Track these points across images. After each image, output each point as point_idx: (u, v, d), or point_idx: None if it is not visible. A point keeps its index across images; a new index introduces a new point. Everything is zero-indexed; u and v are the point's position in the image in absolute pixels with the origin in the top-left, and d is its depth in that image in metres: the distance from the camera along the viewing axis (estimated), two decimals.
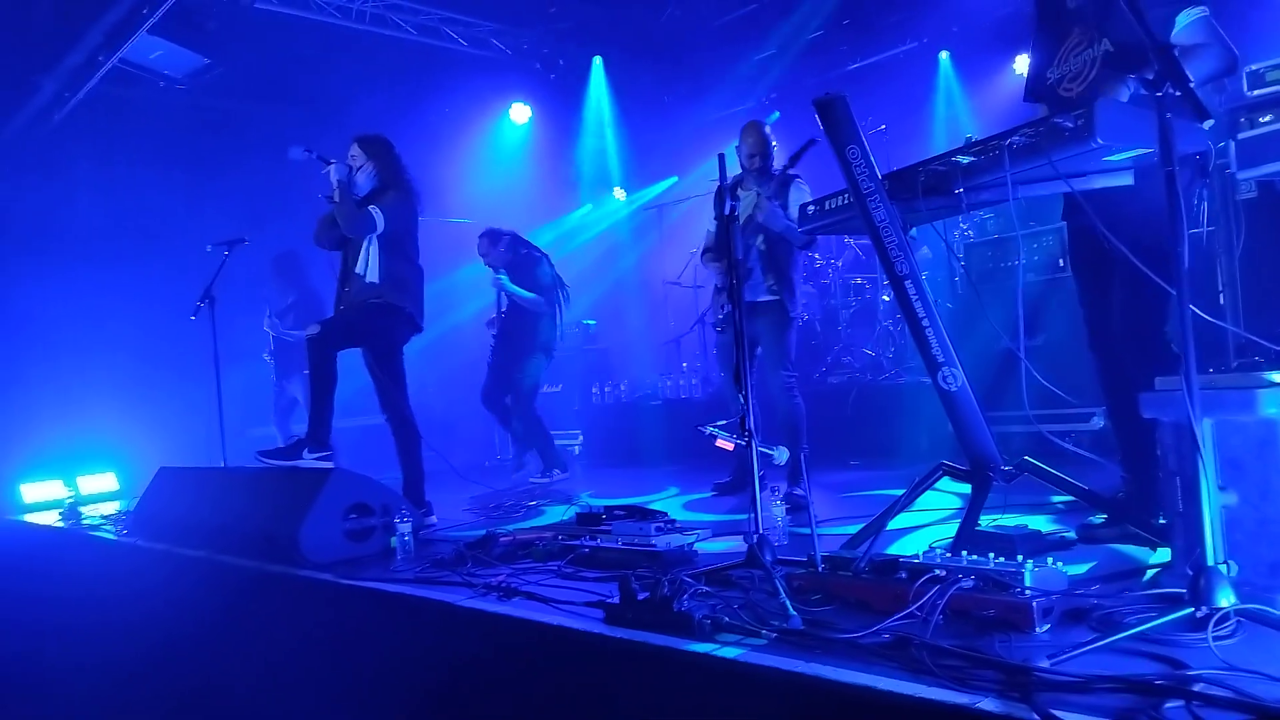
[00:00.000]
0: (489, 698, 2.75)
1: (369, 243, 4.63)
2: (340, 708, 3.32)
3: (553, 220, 10.78)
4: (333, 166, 4.61)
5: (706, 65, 9.96)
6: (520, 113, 10.08)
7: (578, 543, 3.42)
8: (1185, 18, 2.85)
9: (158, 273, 7.86)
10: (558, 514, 4.63)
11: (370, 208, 4.59)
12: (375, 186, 4.73)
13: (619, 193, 10.93)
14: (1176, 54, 2.19)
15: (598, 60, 10.11)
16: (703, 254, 5.20)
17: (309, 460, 4.40)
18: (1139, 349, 2.97)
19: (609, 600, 2.55)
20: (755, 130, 4.94)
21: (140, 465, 6.65)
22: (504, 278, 6.47)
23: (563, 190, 10.73)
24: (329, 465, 4.34)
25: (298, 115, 8.53)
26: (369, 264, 4.64)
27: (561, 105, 10.21)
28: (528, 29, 9.37)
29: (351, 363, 4.81)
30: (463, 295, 8.22)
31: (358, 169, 4.72)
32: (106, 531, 5.38)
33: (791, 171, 4.81)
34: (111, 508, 6.20)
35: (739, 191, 4.84)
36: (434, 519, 4.63)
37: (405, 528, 3.69)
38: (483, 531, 3.74)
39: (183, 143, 8.40)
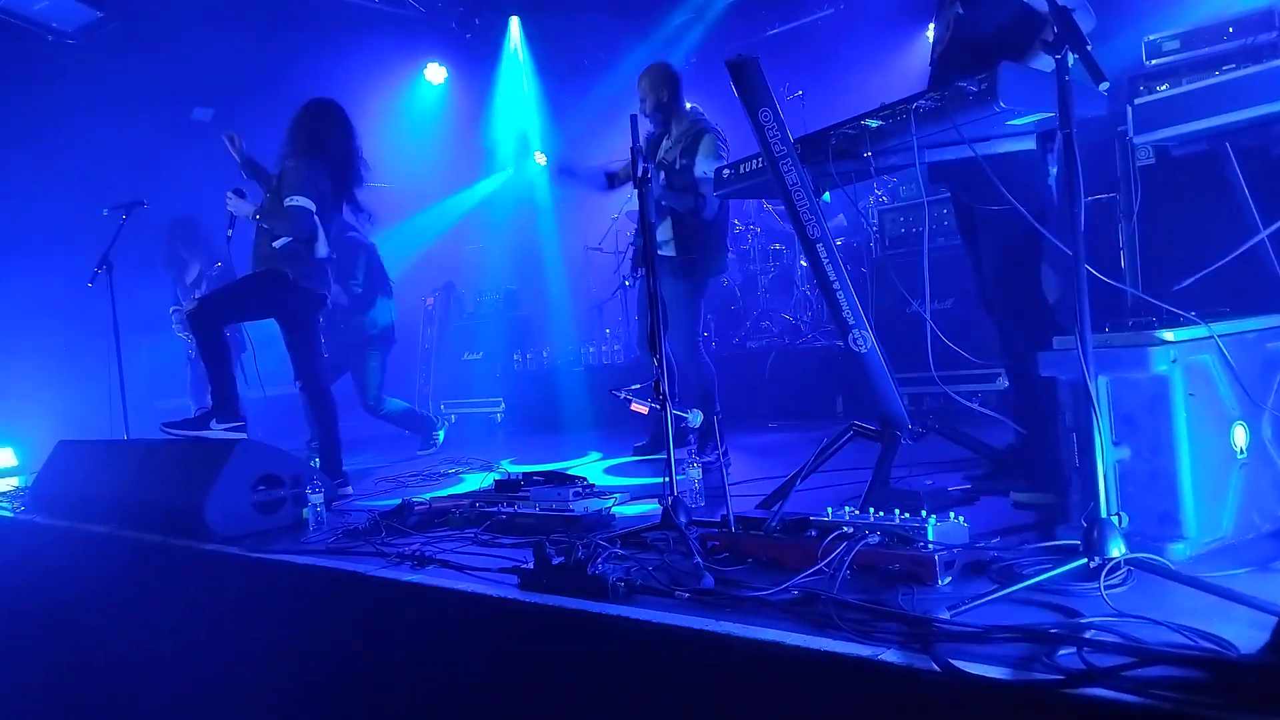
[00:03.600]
0: (404, 667, 2.72)
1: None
2: (250, 681, 3.25)
3: (471, 185, 10.59)
4: (234, 204, 4.52)
5: (626, 28, 9.84)
6: (435, 73, 9.83)
7: (495, 509, 3.40)
8: None
9: (52, 238, 7.48)
10: (476, 481, 4.59)
11: (293, 202, 4.44)
12: (286, 150, 4.60)
13: (540, 157, 10.75)
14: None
15: (514, 20, 9.90)
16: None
17: (218, 431, 4.27)
18: (1014, 308, 3.07)
19: (524, 566, 2.54)
20: (643, 77, 4.74)
21: (40, 440, 6.36)
22: None
23: (481, 154, 10.53)
24: (240, 436, 4.22)
25: (199, 73, 8.14)
26: (264, 237, 4.52)
27: (478, 66, 9.99)
28: None
29: (271, 332, 4.69)
30: (387, 261, 8.01)
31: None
32: (3, 509, 5.13)
33: (704, 125, 4.61)
34: (9, 484, 5.92)
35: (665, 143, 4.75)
36: (349, 490, 4.55)
37: (317, 498, 3.61)
38: (398, 500, 3.68)
39: (74, 101, 7.95)
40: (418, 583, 2.66)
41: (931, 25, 8.75)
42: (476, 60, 9.93)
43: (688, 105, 4.74)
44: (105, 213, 5.84)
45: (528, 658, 2.38)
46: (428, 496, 3.85)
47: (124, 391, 5.69)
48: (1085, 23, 2.84)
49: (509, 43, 10.03)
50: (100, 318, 5.80)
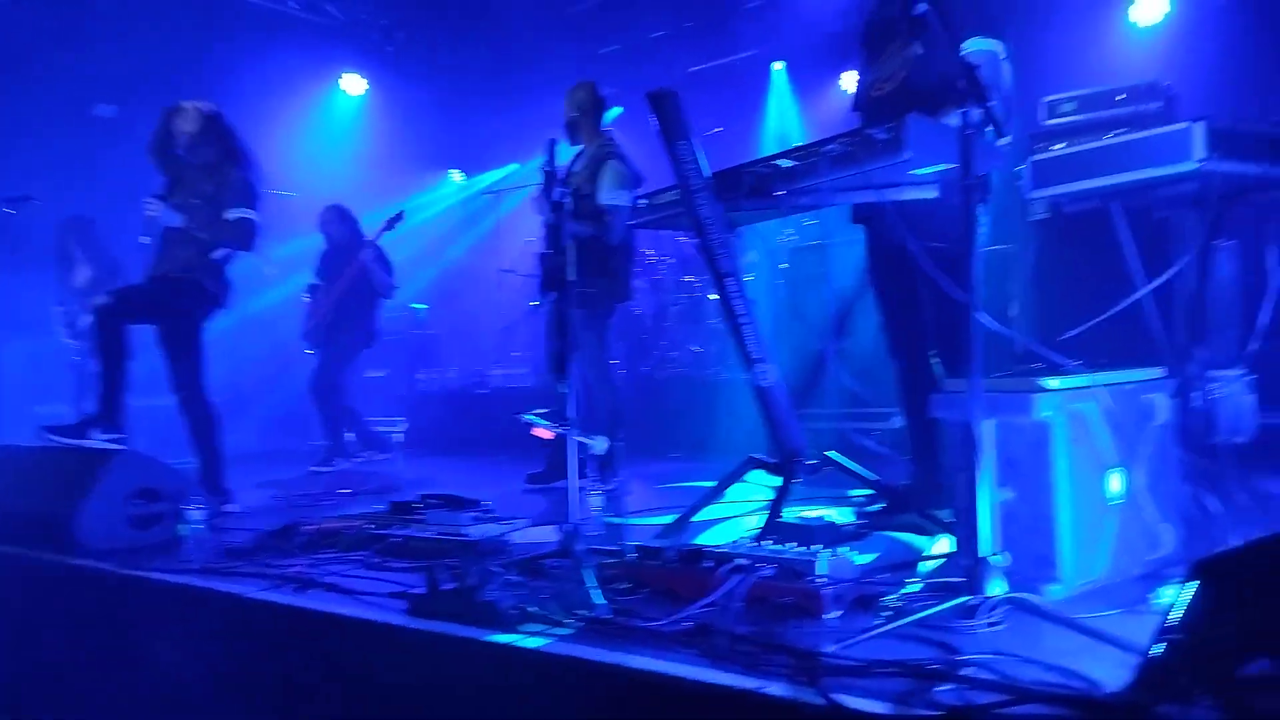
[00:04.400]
0: (283, 695, 2.61)
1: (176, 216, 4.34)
2: (116, 703, 3.07)
3: (386, 200, 10.40)
4: (158, 211, 4.35)
5: (552, 55, 9.87)
6: (354, 84, 9.66)
7: (387, 532, 3.30)
8: (972, 45, 3.03)
9: None
10: (371, 503, 4.46)
11: (243, 214, 4.37)
12: (215, 160, 4.47)
13: (456, 175, 10.68)
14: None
15: (439, 37, 9.83)
16: None
17: (98, 440, 4.06)
18: (950, 353, 3.15)
19: (414, 591, 2.47)
20: (567, 96, 4.69)
21: None
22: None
23: (398, 169, 10.36)
24: (118, 447, 4.02)
25: (104, 69, 7.80)
26: (178, 238, 4.35)
27: (399, 80, 9.85)
28: None
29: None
30: (286, 269, 7.80)
31: (184, 130, 4.41)
32: None
33: (611, 151, 4.55)
34: None
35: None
36: (234, 507, 4.36)
37: (197, 515, 3.45)
38: (285, 521, 3.55)
39: None
40: (300, 606, 2.56)
41: (850, 74, 9.00)
42: (398, 74, 9.79)
43: (603, 130, 4.71)
44: None
45: (415, 687, 2.30)
46: (317, 517, 3.73)
47: None
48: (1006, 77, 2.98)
49: (432, 59, 9.94)
50: None
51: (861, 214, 3.22)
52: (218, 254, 4.42)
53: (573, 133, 4.62)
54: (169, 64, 7.57)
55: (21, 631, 3.46)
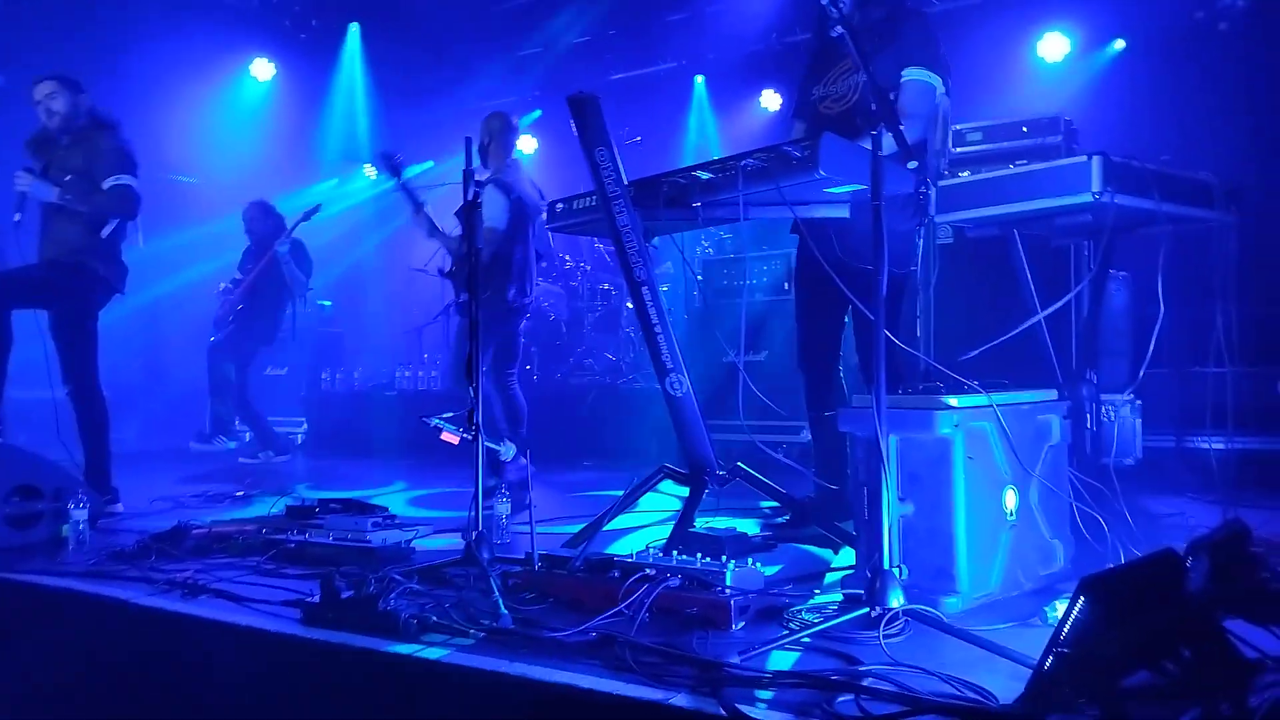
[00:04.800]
0: (169, 707, 2.49)
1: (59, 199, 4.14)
2: None
3: (294, 191, 10.09)
4: (30, 186, 4.16)
5: (472, 52, 9.77)
6: (263, 70, 9.35)
7: (283, 537, 3.19)
8: (906, 74, 3.13)
9: None
10: (267, 506, 4.31)
11: (120, 181, 4.19)
12: (86, 126, 4.27)
13: (369, 170, 10.43)
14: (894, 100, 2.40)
15: (354, 27, 9.61)
16: None
17: None
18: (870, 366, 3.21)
19: (309, 599, 2.39)
20: (483, 123, 4.89)
21: None
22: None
23: (306, 160, 10.07)
24: None
25: None
26: (63, 222, 4.13)
27: (311, 69, 9.59)
28: None
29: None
30: (180, 259, 7.50)
31: (61, 109, 4.20)
32: None
33: (497, 178, 4.75)
34: None
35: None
36: (119, 507, 4.17)
37: (80, 515, 3.28)
38: (174, 522, 3.39)
39: None
40: (187, 614, 2.45)
41: (769, 92, 9.12)
42: (310, 62, 9.53)
43: (509, 158, 4.92)
44: None
45: (310, 698, 2.22)
46: (208, 519, 3.58)
47: None
48: (910, 132, 3.04)
49: (346, 49, 9.71)
50: None
51: (797, 226, 3.26)
52: (105, 231, 4.23)
53: (483, 157, 4.83)
54: (66, 34, 7.20)
55: None
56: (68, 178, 4.22)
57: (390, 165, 4.68)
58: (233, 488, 5.04)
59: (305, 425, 7.90)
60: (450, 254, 4.73)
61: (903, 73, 3.13)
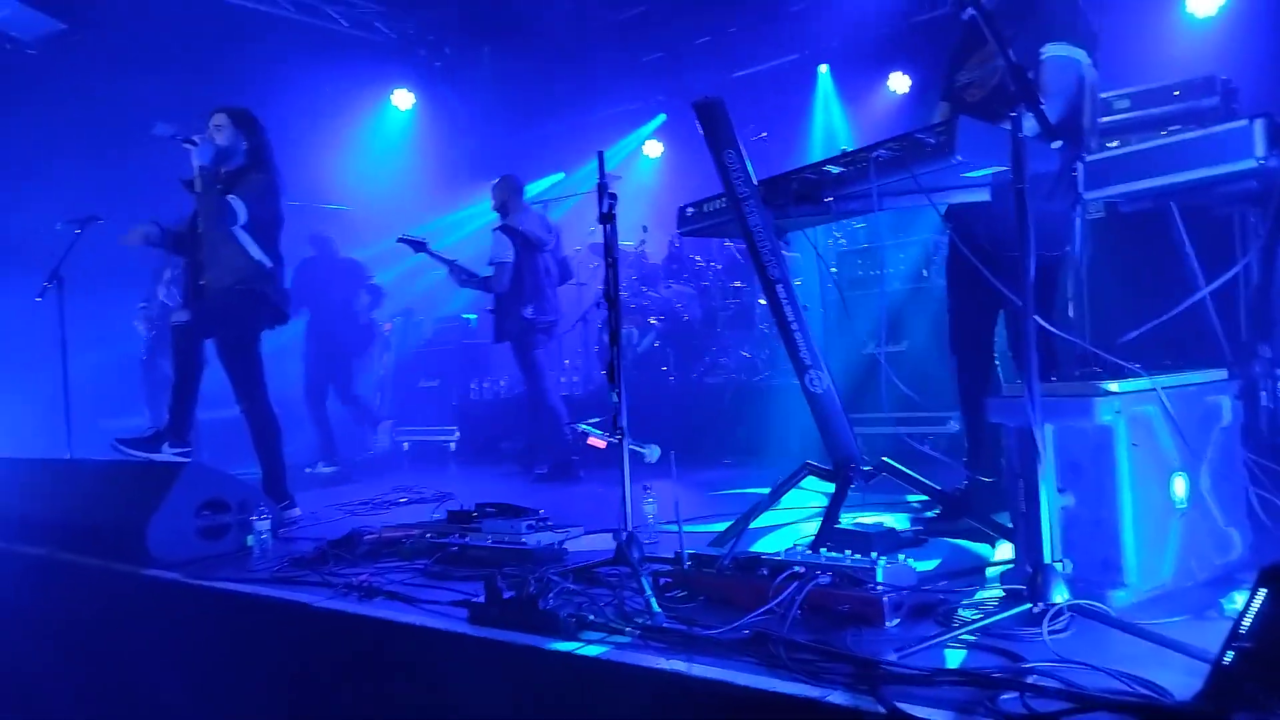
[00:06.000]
0: (349, 702, 2.67)
1: (239, 232, 4.42)
2: (190, 713, 3.16)
3: (440, 214, 10.56)
4: (196, 148, 4.35)
5: (596, 63, 9.96)
6: (403, 99, 9.84)
7: (446, 540, 3.36)
8: (1045, 51, 3.00)
9: (4, 251, 7.31)
10: (428, 512, 4.53)
11: (230, 198, 4.35)
12: (242, 165, 4.52)
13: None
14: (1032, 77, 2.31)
15: (485, 50, 9.96)
16: None
17: (167, 454, 4.18)
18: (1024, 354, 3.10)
19: (474, 600, 2.51)
20: (493, 187, 6.07)
21: None
22: None
23: (447, 182, 10.52)
24: (186, 460, 4.14)
25: (162, 89, 8.05)
26: (231, 250, 4.43)
27: (447, 94, 10.02)
28: (413, 13, 9.16)
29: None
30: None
31: (223, 142, 4.49)
32: None
33: (501, 224, 5.97)
34: None
35: None
36: (296, 511, 4.47)
37: (263, 525, 3.55)
38: (348, 530, 3.62)
39: (31, 112, 7.80)
40: (364, 614, 2.62)
41: (897, 74, 8.88)
42: (446, 88, 9.95)
43: (524, 206, 6.15)
44: (59, 226, 5.73)
45: (476, 693, 2.34)
46: (378, 525, 3.80)
47: (69, 409, 5.55)
48: (1052, 111, 2.93)
49: (479, 72, 10.08)
50: (47, 333, 5.68)
51: (954, 213, 3.19)
52: (267, 260, 4.43)
53: (504, 212, 6.01)
54: (223, 83, 7.78)
55: (96, 641, 3.58)
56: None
57: (411, 244, 5.89)
58: (396, 495, 5.35)
59: (457, 433, 8.24)
60: (488, 293, 5.93)
61: (1041, 49, 3.01)
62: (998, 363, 3.44)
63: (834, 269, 5.86)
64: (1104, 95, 4.59)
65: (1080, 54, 3.03)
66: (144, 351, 7.34)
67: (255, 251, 4.44)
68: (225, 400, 4.63)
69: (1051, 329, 2.57)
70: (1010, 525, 2.58)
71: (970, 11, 2.37)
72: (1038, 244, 2.24)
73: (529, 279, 5.88)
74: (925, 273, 5.43)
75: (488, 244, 6.06)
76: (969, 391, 3.38)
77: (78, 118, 7.84)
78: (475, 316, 9.20)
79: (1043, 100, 2.38)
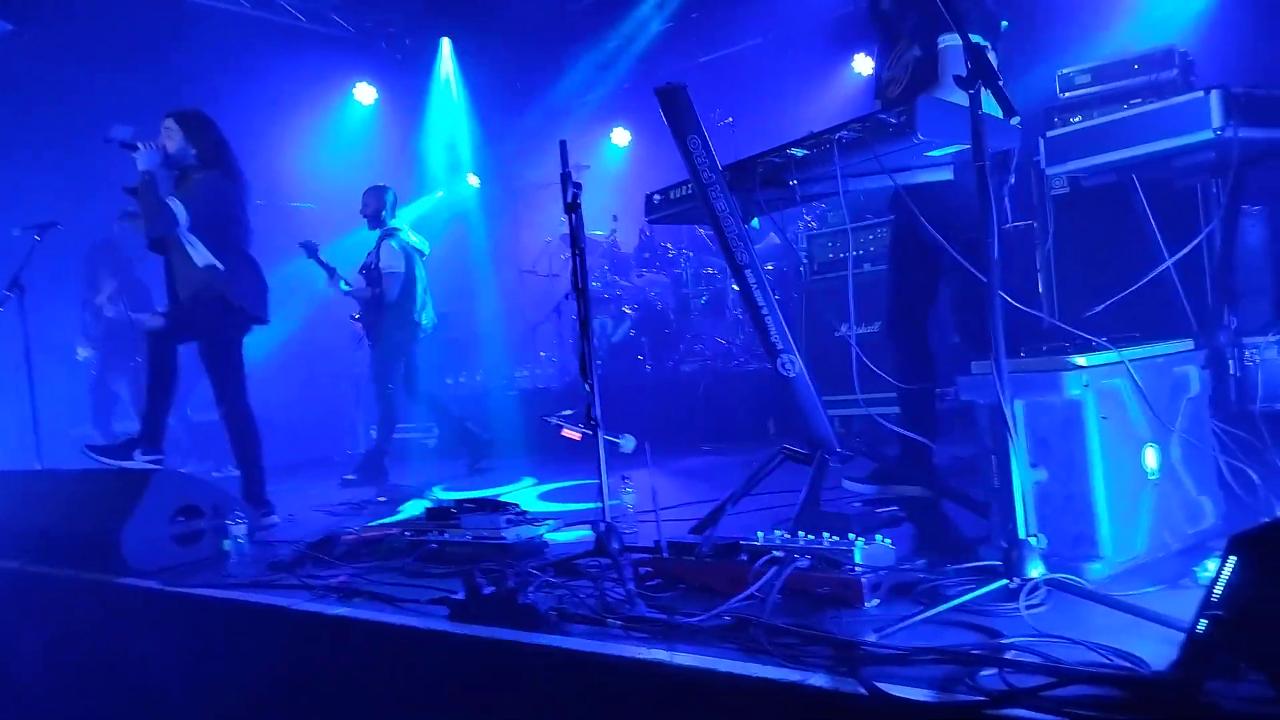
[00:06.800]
0: (331, 704, 2.65)
1: (184, 234, 4.36)
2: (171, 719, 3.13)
3: (404, 205, 10.47)
4: (140, 152, 4.28)
5: (558, 51, 9.90)
6: (365, 93, 9.71)
7: (425, 538, 3.34)
8: (942, 41, 2.94)
9: None
10: (408, 510, 4.52)
11: (169, 200, 4.30)
12: (191, 166, 4.45)
13: (472, 179, 10.71)
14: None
15: (445, 42, 9.86)
16: None
17: (139, 461, 4.13)
18: (973, 335, 3.13)
19: (454, 596, 2.50)
20: (364, 195, 6.28)
21: None
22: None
23: (413, 175, 10.42)
24: (157, 468, 4.09)
25: (117, 89, 7.89)
26: (194, 256, 4.37)
27: (409, 86, 9.90)
28: (371, 6, 9.04)
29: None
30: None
31: (173, 148, 4.43)
32: None
33: (390, 230, 6.22)
34: None
35: None
36: (274, 519, 4.43)
37: (239, 530, 3.51)
38: (325, 531, 3.60)
39: None
40: (345, 616, 2.60)
41: (861, 56, 8.89)
42: (407, 80, 9.85)
43: (390, 220, 6.31)
44: (17, 232, 5.62)
45: (459, 690, 2.34)
46: (357, 526, 3.78)
47: (36, 418, 5.46)
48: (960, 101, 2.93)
49: (440, 64, 9.98)
50: (8, 341, 5.58)
51: (898, 201, 3.19)
52: (215, 263, 4.36)
53: (375, 221, 6.24)
54: (182, 82, 7.65)
55: (75, 652, 3.54)
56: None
57: (307, 248, 6.18)
58: (374, 493, 5.32)
59: (435, 430, 8.19)
60: (360, 303, 6.27)
61: (939, 39, 3.00)
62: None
63: (803, 252, 5.87)
64: (1064, 71, 4.63)
65: (980, 41, 3.02)
66: (93, 367, 7.23)
67: (201, 256, 4.36)
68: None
69: (1016, 304, 2.57)
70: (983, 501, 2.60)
71: (885, 4, 2.35)
72: (966, 226, 2.24)
73: (418, 286, 6.31)
74: None
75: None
76: (907, 375, 3.36)
77: (30, 120, 7.66)
78: (447, 310, 9.15)
79: (939, 90, 2.37)
